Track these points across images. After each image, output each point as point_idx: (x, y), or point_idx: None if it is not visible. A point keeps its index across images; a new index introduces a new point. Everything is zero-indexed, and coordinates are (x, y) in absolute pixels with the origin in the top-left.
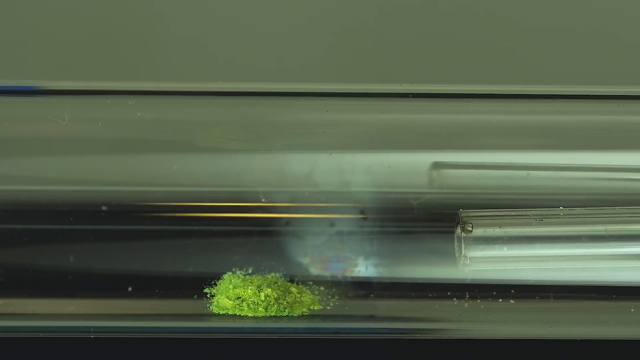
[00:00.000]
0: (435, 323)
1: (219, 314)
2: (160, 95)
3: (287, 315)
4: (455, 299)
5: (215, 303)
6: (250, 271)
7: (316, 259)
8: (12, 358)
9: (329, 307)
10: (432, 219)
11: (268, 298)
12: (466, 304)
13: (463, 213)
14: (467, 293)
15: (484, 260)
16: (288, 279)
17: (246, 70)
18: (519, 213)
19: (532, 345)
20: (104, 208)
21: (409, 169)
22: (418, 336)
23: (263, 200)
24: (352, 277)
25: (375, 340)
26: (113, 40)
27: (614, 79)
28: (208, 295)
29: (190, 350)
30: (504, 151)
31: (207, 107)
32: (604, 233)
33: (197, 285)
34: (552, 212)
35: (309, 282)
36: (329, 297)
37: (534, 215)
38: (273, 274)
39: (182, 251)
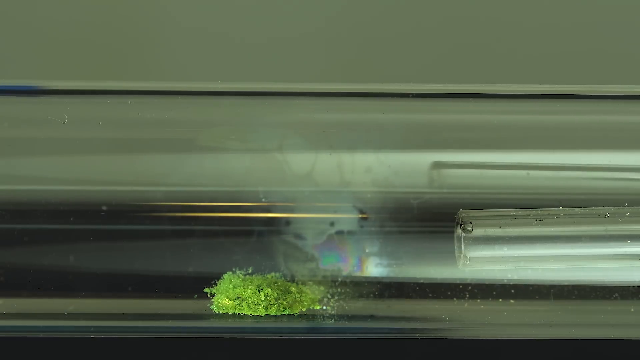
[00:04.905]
0: (435, 323)
1: (219, 314)
2: (160, 95)
3: (286, 315)
4: (455, 299)
5: (215, 303)
6: (250, 271)
7: (317, 258)
8: (12, 358)
9: (328, 307)
10: (432, 218)
11: (268, 298)
12: (466, 304)
13: (463, 213)
14: (467, 293)
15: (484, 260)
16: (288, 279)
17: (246, 70)
18: (519, 213)
19: (532, 345)
20: (104, 208)
21: (409, 168)
22: (418, 336)
23: (263, 200)
24: (352, 277)
25: (375, 340)
26: (113, 39)
27: (614, 79)
28: (208, 295)
29: (190, 350)
30: (504, 151)
31: (207, 107)
32: (604, 233)
33: (197, 285)
34: (552, 212)
35: (309, 282)
36: (329, 297)
37: (534, 215)
38: (273, 274)
39: (182, 251)
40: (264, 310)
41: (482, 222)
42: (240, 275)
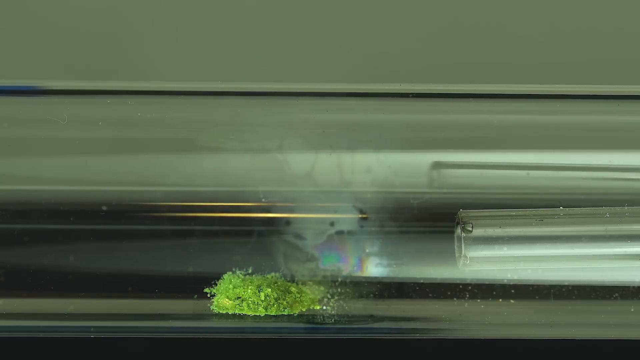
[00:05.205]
0: (435, 323)
1: (219, 314)
2: (160, 95)
3: (286, 315)
4: (455, 299)
5: (215, 303)
6: (250, 271)
7: (317, 258)
8: (12, 358)
9: (328, 307)
10: (432, 218)
11: (268, 298)
12: (466, 304)
13: (463, 213)
14: (467, 293)
15: (484, 260)
16: (288, 279)
17: (246, 70)
18: (519, 213)
19: (532, 345)
20: (104, 208)
21: (409, 168)
22: (418, 336)
23: (263, 200)
24: (352, 277)
25: (375, 340)
26: (113, 39)
27: (614, 79)
28: (208, 295)
29: (190, 350)
30: (504, 151)
31: (207, 107)
32: (604, 233)
33: (197, 285)
34: (552, 212)
35: (309, 282)
36: (329, 297)
37: (534, 215)
38: (273, 274)
39: (182, 251)
40: (264, 310)
41: (482, 222)
42: (240, 275)
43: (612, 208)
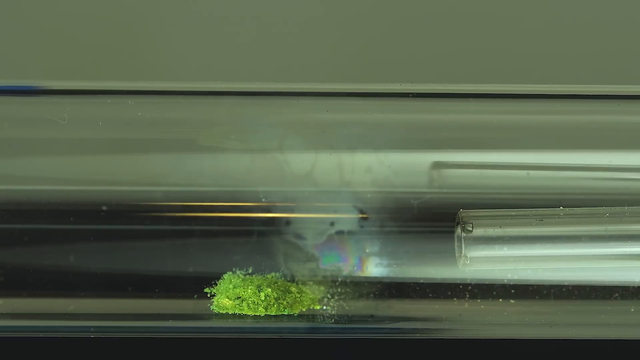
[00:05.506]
0: (435, 323)
1: (219, 314)
2: (160, 95)
3: (286, 315)
4: (455, 299)
5: (215, 303)
6: (250, 271)
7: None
8: (12, 358)
9: (328, 307)
10: (432, 218)
11: (268, 298)
12: (466, 304)
13: (463, 213)
14: (467, 293)
15: (484, 260)
16: (288, 279)
17: (246, 70)
18: (519, 213)
19: (532, 345)
20: (104, 208)
21: (409, 168)
22: (418, 336)
23: (263, 200)
24: (352, 277)
25: (375, 340)
26: (113, 39)
27: (614, 79)
28: (208, 295)
29: (190, 350)
30: (504, 151)
31: (207, 107)
32: (604, 233)
33: (197, 285)
34: (552, 212)
35: (309, 282)
36: (329, 297)
37: (534, 215)
38: (273, 274)
39: (182, 251)
40: (264, 310)
41: (482, 222)
42: (240, 275)
43: (612, 208)
